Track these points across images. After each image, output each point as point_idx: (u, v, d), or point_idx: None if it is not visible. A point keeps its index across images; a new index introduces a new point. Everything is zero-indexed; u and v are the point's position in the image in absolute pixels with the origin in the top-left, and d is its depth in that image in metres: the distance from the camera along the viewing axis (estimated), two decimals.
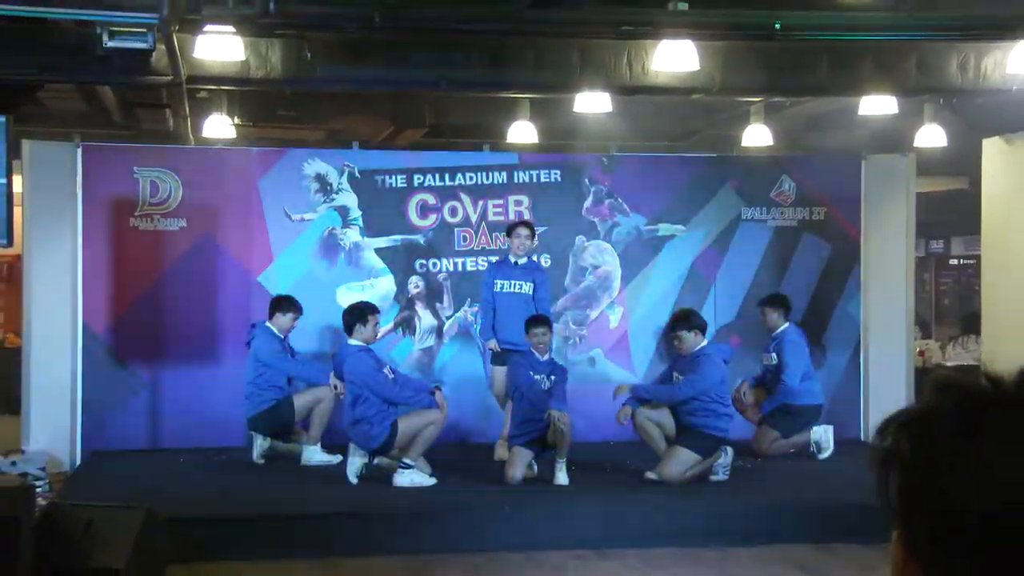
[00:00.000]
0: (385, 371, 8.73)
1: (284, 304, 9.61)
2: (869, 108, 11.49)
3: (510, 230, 9.69)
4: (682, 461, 8.58)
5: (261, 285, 10.30)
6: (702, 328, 8.89)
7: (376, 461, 8.58)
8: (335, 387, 9.18)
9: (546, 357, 8.85)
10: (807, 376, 9.91)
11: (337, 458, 9.15)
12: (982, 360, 11.81)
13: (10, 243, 9.12)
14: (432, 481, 8.50)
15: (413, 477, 8.45)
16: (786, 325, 9.96)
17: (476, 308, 10.47)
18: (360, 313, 8.87)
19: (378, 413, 8.48)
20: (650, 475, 8.63)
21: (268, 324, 9.56)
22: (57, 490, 8.84)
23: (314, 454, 9.40)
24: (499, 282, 9.48)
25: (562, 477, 8.56)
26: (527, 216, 10.44)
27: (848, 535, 7.59)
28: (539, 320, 8.95)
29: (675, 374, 8.91)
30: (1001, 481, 0.97)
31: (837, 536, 7.69)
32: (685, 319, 8.92)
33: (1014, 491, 0.97)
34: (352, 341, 8.79)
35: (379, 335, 9.42)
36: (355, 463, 8.58)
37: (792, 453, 9.83)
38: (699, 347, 8.77)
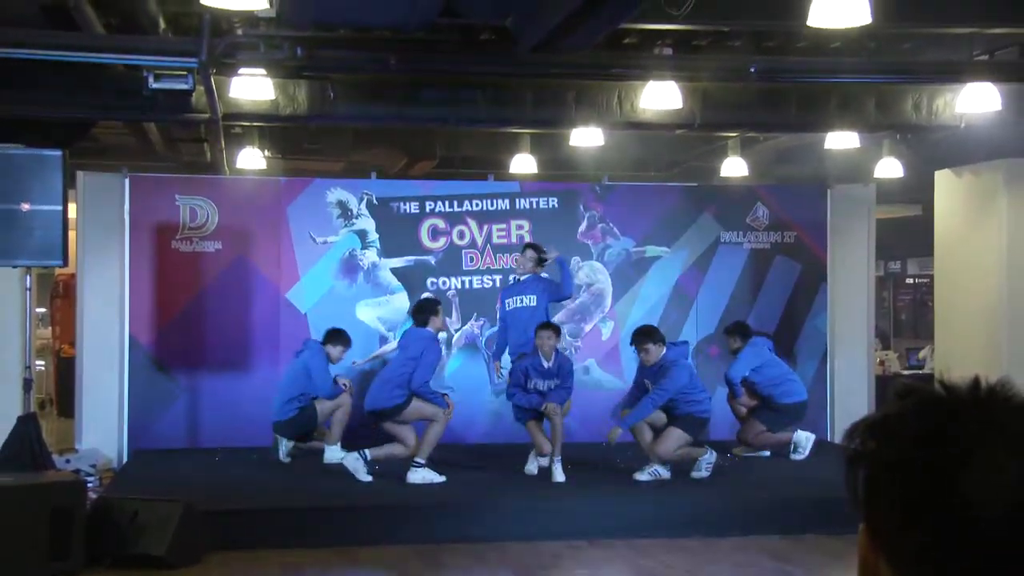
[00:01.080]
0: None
1: (337, 337, 9.44)
2: (834, 143, 11.53)
3: (523, 251, 9.46)
4: (674, 440, 8.59)
5: (289, 301, 10.32)
6: (663, 340, 8.90)
7: (366, 453, 8.50)
8: (345, 385, 9.23)
9: (551, 363, 8.79)
10: (785, 379, 9.74)
11: None
12: (936, 369, 11.78)
13: (65, 263, 9.14)
14: (441, 478, 8.49)
15: (425, 474, 8.44)
16: (753, 339, 9.83)
17: (482, 321, 10.50)
18: (432, 306, 8.76)
19: (404, 384, 8.45)
20: (638, 476, 8.60)
21: (322, 345, 9.46)
22: (106, 485, 8.83)
23: (335, 453, 9.38)
24: (508, 301, 9.38)
25: (559, 474, 8.54)
26: (528, 239, 10.44)
27: (817, 527, 7.58)
28: (546, 324, 8.90)
29: (645, 381, 8.86)
30: (954, 476, 0.98)
31: (807, 527, 7.67)
32: (648, 334, 8.88)
33: (965, 485, 0.98)
34: (429, 328, 8.64)
35: (440, 327, 9.19)
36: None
37: (768, 453, 9.78)
38: (661, 355, 8.77)
